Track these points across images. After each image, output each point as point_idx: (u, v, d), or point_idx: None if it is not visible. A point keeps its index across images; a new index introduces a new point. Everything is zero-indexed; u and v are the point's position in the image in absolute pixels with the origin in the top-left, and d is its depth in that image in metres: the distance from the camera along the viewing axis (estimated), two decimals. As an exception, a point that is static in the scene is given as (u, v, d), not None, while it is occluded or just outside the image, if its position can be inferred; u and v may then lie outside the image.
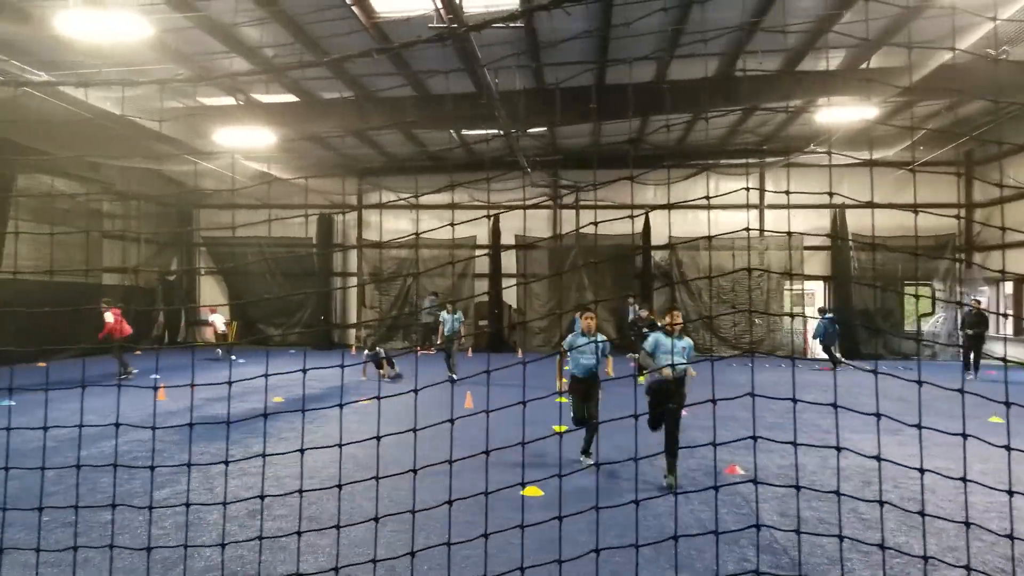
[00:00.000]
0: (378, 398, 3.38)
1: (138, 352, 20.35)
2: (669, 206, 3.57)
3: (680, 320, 8.83)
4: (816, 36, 12.71)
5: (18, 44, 12.17)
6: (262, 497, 2.94)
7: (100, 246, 22.01)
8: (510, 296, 23.92)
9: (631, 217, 4.43)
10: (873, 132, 17.74)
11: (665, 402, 6.91)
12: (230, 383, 3.37)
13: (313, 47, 12.90)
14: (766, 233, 21.70)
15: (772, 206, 23.17)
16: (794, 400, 3.05)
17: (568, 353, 7.64)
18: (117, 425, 2.99)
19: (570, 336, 7.82)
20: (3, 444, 3.56)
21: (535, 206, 19.73)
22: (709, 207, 5.86)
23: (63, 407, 10.47)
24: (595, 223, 3.35)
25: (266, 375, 2.77)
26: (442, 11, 10.52)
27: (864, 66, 13.96)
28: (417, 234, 2.92)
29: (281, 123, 15.92)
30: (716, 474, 7.07)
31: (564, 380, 7.74)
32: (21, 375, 14.28)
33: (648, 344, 7.14)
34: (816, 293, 23.84)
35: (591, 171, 21.75)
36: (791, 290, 23.55)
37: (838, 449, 3.43)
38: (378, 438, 2.94)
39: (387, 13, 11.68)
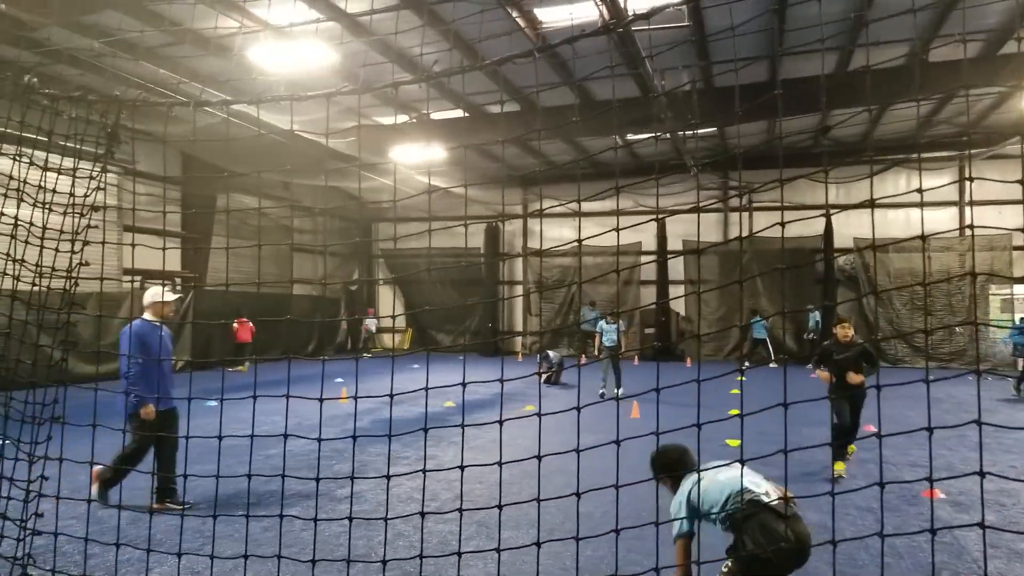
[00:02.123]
0: (578, 409, 3.30)
1: (324, 358, 21.79)
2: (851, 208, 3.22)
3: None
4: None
5: (220, 76, 13.45)
6: (461, 510, 2.94)
7: (290, 259, 23.90)
8: (677, 303, 23.24)
9: (775, 223, 4.07)
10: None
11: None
12: (427, 388, 3.45)
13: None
14: (966, 233, 19.57)
15: (975, 202, 20.85)
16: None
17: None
18: (320, 440, 3.13)
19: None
20: (188, 441, 3.82)
21: (704, 209, 19.01)
22: (871, 204, 5.18)
23: (257, 407, 11.39)
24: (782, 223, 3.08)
25: (463, 383, 2.77)
26: (606, 15, 10.40)
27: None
28: (579, 240, 2.82)
29: (450, 138, 16.49)
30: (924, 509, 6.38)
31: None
32: (221, 378, 15.68)
33: None
34: (1029, 298, 21.13)
35: (763, 171, 20.66)
36: (998, 295, 21.01)
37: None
38: (578, 451, 2.83)
39: (551, 23, 11.75)
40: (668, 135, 17.03)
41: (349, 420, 10.75)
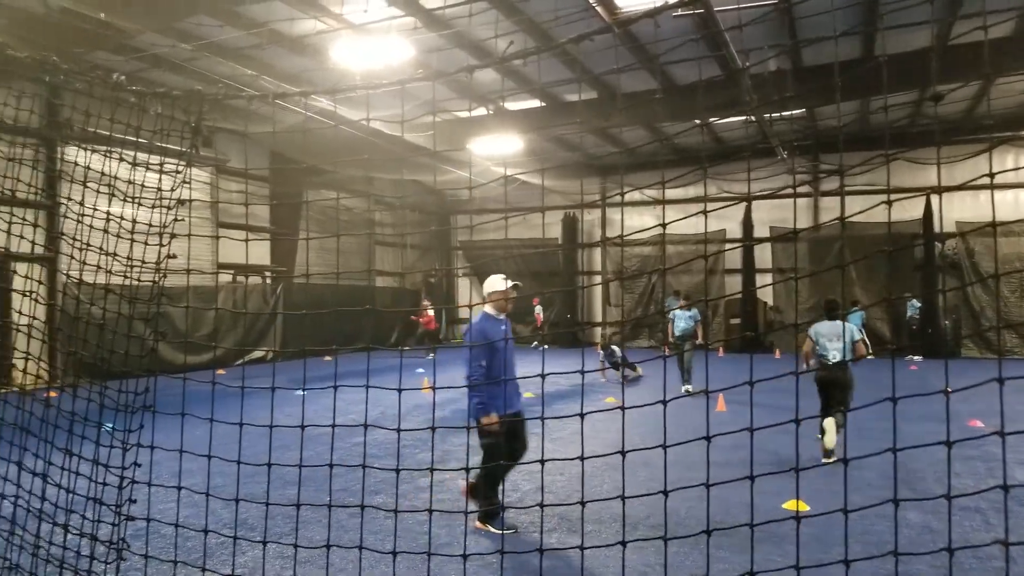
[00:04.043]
0: (664, 403, 3.20)
1: (405, 348, 22.20)
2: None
3: None
4: None
5: (303, 76, 13.80)
6: (542, 504, 2.89)
7: (374, 252, 24.39)
8: (765, 292, 22.51)
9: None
10: None
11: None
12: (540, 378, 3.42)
13: (561, 53, 13.11)
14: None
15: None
16: None
17: None
18: (399, 431, 3.12)
19: None
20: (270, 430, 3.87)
21: (793, 194, 18.39)
22: (990, 181, 4.82)
23: (343, 397, 11.68)
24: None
25: (543, 375, 2.72)
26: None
27: None
28: (664, 225, 2.69)
29: (528, 129, 16.43)
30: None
31: None
32: (311, 367, 16.10)
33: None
34: None
35: (856, 154, 19.70)
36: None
37: None
38: (664, 447, 2.72)
39: (629, 8, 11.51)
40: (754, 119, 16.49)
41: (432, 410, 10.92)
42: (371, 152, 16.32)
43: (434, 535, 5.30)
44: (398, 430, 2.76)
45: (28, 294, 3.72)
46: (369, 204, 23.24)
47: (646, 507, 5.72)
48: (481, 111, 17.16)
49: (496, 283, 5.61)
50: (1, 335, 10.25)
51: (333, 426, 2.94)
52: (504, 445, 5.18)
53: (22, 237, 3.80)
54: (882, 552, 3.43)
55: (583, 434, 2.90)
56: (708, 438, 2.40)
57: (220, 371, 15.52)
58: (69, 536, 3.40)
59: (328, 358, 19.01)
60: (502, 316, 5.61)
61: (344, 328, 20.07)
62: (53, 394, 3.90)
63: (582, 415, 2.62)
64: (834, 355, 7.37)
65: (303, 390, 3.01)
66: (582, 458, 2.53)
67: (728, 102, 13.93)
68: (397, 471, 2.74)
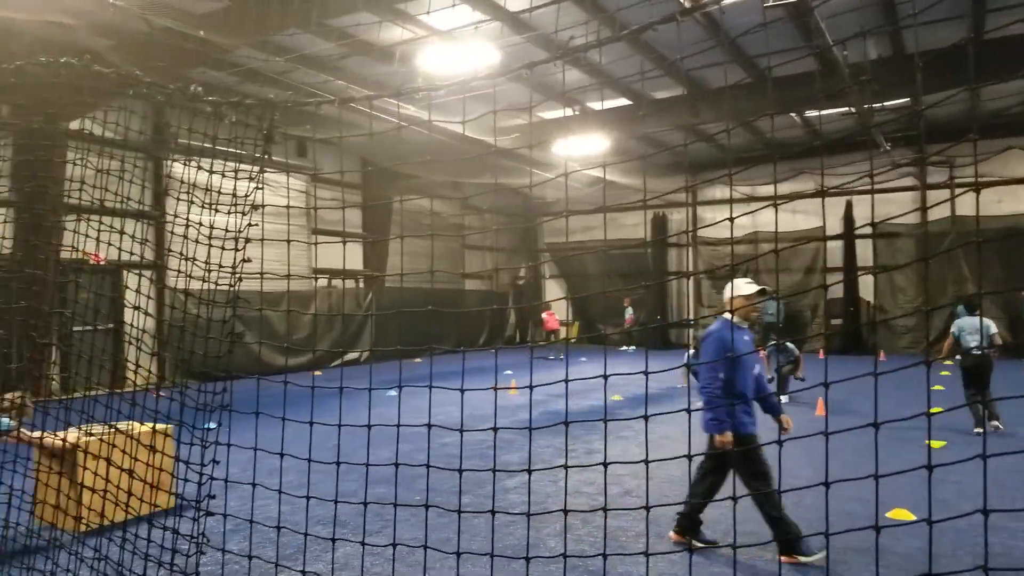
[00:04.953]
0: (732, 405, 3.08)
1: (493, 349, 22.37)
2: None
3: None
4: None
5: (384, 81, 14.09)
6: (605, 509, 2.84)
7: (462, 255, 24.71)
8: (868, 292, 21.43)
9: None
10: None
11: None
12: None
13: (646, 49, 12.90)
14: None
15: None
16: None
17: None
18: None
19: None
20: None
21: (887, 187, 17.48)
22: None
23: (432, 398, 11.84)
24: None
25: (605, 375, 2.67)
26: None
27: None
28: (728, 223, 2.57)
29: (614, 128, 16.25)
30: None
31: None
32: (401, 368, 16.49)
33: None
34: None
35: (965, 143, 18.46)
36: None
37: None
38: (725, 451, 2.64)
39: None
40: (853, 109, 15.75)
41: (519, 411, 10.92)
42: (451, 155, 16.53)
43: (521, 536, 5.32)
44: (460, 430, 2.79)
45: (127, 302, 3.94)
46: (431, 205, 23.52)
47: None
48: (567, 111, 17.10)
49: (740, 287, 4.93)
50: (115, 341, 10.97)
51: (398, 426, 2.98)
52: (723, 469, 4.63)
53: (131, 253, 4.03)
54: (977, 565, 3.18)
55: (647, 437, 2.81)
56: (780, 442, 2.28)
57: (316, 372, 16.07)
58: (153, 530, 3.57)
59: (419, 359, 19.39)
60: (745, 325, 4.98)
61: (433, 329, 20.42)
62: (161, 395, 4.12)
63: (646, 417, 2.54)
64: (974, 345, 8.71)
65: (369, 390, 3.06)
66: (646, 462, 2.45)
67: (816, 94, 13.36)
68: (460, 471, 2.76)
